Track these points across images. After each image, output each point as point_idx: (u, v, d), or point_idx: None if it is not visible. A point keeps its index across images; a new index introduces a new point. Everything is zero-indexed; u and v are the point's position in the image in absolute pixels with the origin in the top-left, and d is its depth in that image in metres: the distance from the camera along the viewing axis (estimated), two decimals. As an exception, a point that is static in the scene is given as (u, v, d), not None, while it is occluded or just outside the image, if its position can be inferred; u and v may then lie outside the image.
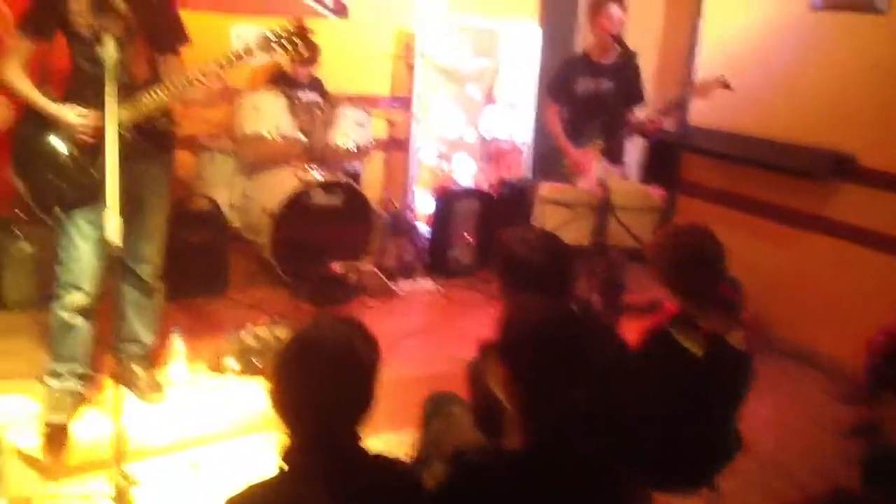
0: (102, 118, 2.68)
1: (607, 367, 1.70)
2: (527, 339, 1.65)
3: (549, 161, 5.59)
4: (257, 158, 4.67)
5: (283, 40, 2.87)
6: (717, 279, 2.30)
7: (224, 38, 4.76)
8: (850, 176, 4.06)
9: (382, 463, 1.69)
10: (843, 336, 4.04)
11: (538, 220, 3.29)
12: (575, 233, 3.16)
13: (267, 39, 2.88)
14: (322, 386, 1.58)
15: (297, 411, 1.59)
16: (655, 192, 3.46)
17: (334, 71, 5.12)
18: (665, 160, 5.04)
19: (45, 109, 2.78)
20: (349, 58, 5.26)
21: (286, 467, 1.59)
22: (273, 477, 1.60)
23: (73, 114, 2.77)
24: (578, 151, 4.40)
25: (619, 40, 3.93)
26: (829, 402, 3.79)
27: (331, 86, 5.13)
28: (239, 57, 2.83)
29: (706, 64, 4.87)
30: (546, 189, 3.33)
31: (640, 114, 4.44)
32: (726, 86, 4.03)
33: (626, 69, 4.12)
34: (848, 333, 4.01)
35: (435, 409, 2.50)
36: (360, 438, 1.63)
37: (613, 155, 4.25)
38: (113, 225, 2.33)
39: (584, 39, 6.25)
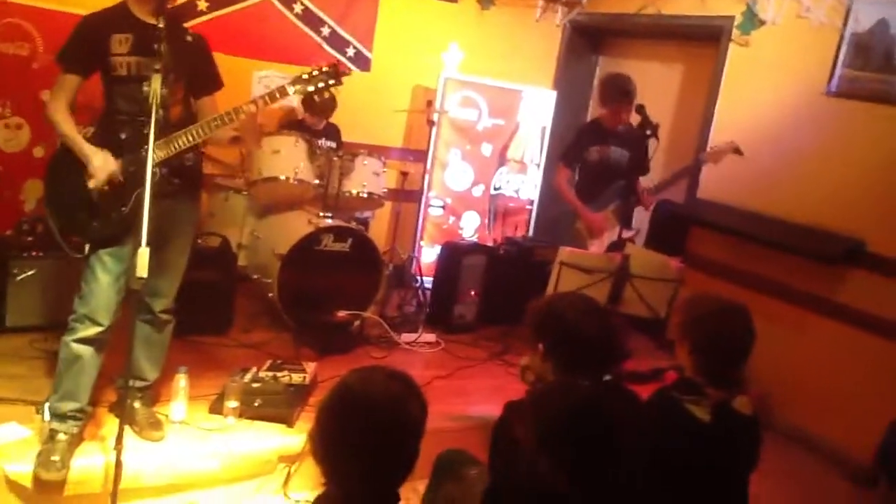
0: (122, 165, 2.74)
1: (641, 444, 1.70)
2: (564, 421, 1.64)
3: (556, 222, 5.65)
4: (271, 200, 4.68)
5: (317, 80, 2.92)
6: (742, 362, 2.30)
7: (246, 82, 4.83)
8: (860, 262, 4.10)
9: None
10: (846, 421, 4.04)
11: (555, 283, 3.29)
12: (590, 298, 3.16)
13: (301, 79, 2.92)
14: (370, 446, 1.54)
15: (340, 466, 1.55)
16: (674, 264, 3.47)
17: (352, 120, 5.19)
18: (669, 231, 5.08)
19: (77, 148, 2.78)
20: (367, 109, 5.34)
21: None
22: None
23: (98, 158, 2.76)
24: (594, 214, 4.45)
25: (641, 111, 4.00)
26: (832, 486, 3.75)
27: (348, 135, 5.19)
28: (274, 97, 2.86)
29: (719, 139, 4.95)
30: (566, 253, 3.34)
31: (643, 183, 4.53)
32: (738, 151, 4.10)
33: (638, 138, 4.20)
34: (851, 419, 4.01)
35: (446, 468, 2.46)
36: (399, 500, 1.59)
37: (626, 219, 4.31)
38: (144, 261, 2.34)
39: (595, 106, 6.38)
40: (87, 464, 2.86)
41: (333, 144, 5.01)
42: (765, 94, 4.73)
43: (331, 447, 1.57)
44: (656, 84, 5.57)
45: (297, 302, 4.31)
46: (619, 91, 4.46)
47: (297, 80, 2.93)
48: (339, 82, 2.97)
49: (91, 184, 2.78)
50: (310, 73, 2.94)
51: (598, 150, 4.54)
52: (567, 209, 4.71)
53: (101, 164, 2.77)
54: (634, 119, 4.29)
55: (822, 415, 4.20)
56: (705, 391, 2.25)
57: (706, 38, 5.21)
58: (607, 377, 2.18)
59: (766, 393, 4.33)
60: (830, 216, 4.27)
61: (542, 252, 5.04)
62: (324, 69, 2.94)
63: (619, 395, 2.19)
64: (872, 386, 3.97)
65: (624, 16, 5.74)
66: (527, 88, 5.88)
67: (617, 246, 3.99)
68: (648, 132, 4.01)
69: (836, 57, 4.33)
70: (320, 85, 2.95)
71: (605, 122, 4.61)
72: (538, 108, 5.92)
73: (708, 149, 4.34)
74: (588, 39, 6.37)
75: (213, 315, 4.20)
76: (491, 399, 3.95)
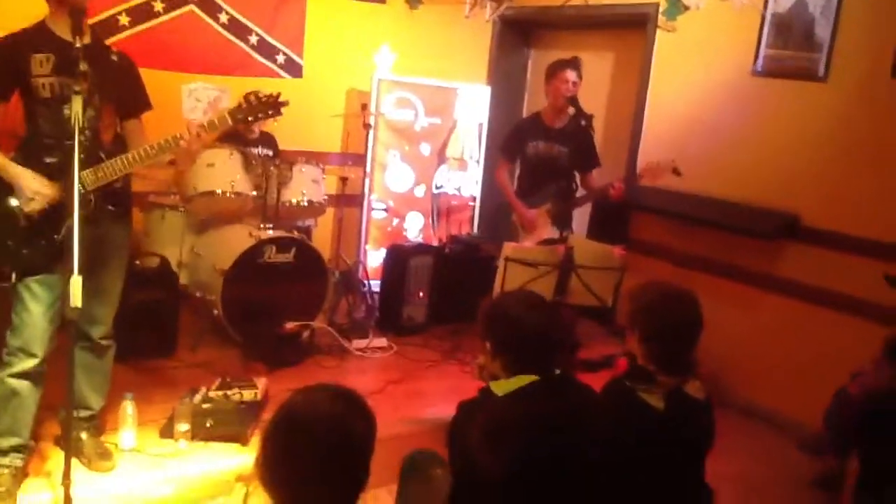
0: (60, 189, 2.64)
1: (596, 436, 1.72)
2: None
3: (496, 217, 5.67)
4: (209, 215, 4.59)
5: (256, 110, 2.88)
6: (692, 347, 2.33)
7: (175, 96, 4.72)
8: (797, 235, 4.20)
9: None
10: (796, 392, 4.14)
11: (501, 279, 3.30)
12: (538, 291, 3.17)
13: (241, 109, 2.87)
14: (317, 469, 1.51)
15: (289, 491, 1.52)
16: (617, 252, 3.51)
17: (287, 128, 5.11)
18: (611, 218, 5.14)
19: (7, 172, 2.66)
20: (302, 116, 5.25)
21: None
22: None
23: (33, 181, 2.66)
24: (527, 210, 4.47)
25: (574, 103, 4.02)
26: (787, 456, 3.84)
27: (284, 142, 5.13)
28: (213, 126, 2.83)
29: (653, 125, 5.04)
30: (510, 249, 3.35)
31: (597, 179, 4.53)
32: (677, 172, 4.11)
33: (579, 133, 4.20)
34: (801, 389, 4.11)
35: (413, 468, 2.45)
36: None
37: (563, 220, 4.29)
38: (77, 290, 2.27)
39: (530, 99, 6.43)
40: (35, 500, 2.78)
41: (270, 153, 4.94)
42: (695, 77, 4.81)
43: (277, 472, 1.54)
44: (588, 74, 5.57)
45: (243, 316, 4.24)
46: (558, 61, 4.46)
47: (237, 110, 2.89)
48: (278, 113, 2.95)
49: (27, 208, 2.67)
50: (249, 103, 2.89)
51: (535, 146, 4.54)
52: (505, 203, 4.73)
53: (38, 188, 2.66)
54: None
55: (772, 388, 4.29)
56: (657, 379, 2.28)
57: (633, 26, 5.28)
58: (557, 371, 2.18)
59: (716, 371, 4.41)
60: (765, 193, 4.37)
61: (487, 248, 5.06)
62: (263, 98, 2.90)
63: (570, 387, 2.20)
64: (818, 355, 4.07)
65: (551, 8, 5.78)
66: (461, 86, 5.88)
67: (553, 241, 3.98)
68: (583, 122, 4.02)
69: (760, 38, 4.42)
70: (259, 115, 2.91)
71: (546, 117, 4.60)
72: (474, 105, 5.92)
73: (644, 165, 4.34)
74: (519, 33, 6.41)
75: (156, 336, 4.10)
76: (447, 399, 3.91)
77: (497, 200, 5.39)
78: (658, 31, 5.04)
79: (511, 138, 4.73)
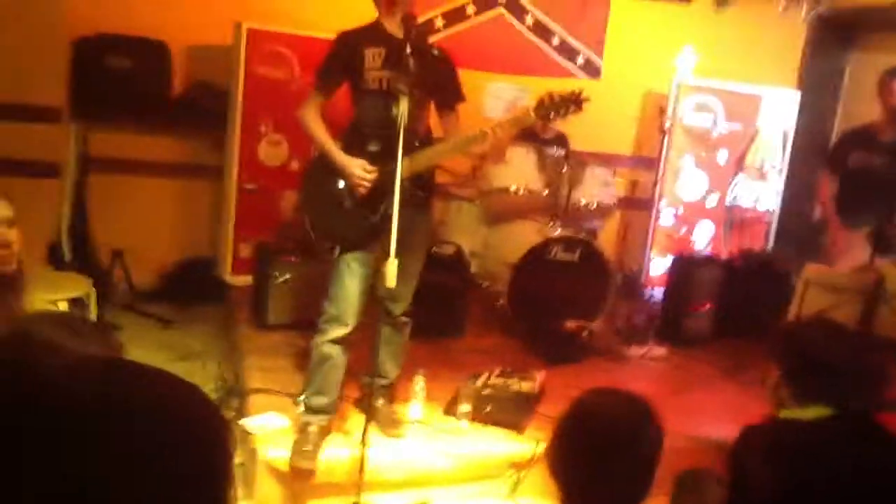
0: (382, 173, 2.93)
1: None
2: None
3: (799, 234, 5.28)
4: (501, 210, 4.82)
5: (558, 106, 2.97)
6: None
7: (480, 95, 4.98)
8: None
9: None
10: None
11: (799, 302, 3.10)
12: (839, 319, 2.93)
13: (544, 105, 2.97)
14: (602, 469, 1.57)
15: (576, 486, 1.59)
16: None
17: (580, 129, 5.18)
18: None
19: (333, 157, 3.03)
20: (596, 117, 5.30)
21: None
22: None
23: (359, 167, 2.99)
24: (842, 231, 4.09)
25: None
26: None
27: (576, 143, 5.21)
28: (517, 122, 3.01)
29: None
30: (812, 270, 3.13)
31: None
32: None
33: None
34: None
35: (687, 485, 2.42)
36: None
37: (886, 244, 3.86)
38: (394, 272, 2.51)
39: (847, 108, 5.91)
40: (335, 455, 3.09)
41: (562, 152, 5.04)
42: None
43: (566, 467, 1.60)
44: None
45: (526, 310, 4.40)
46: (886, 71, 4.05)
47: (540, 106, 2.98)
48: (579, 109, 2.99)
49: (354, 191, 3.00)
50: (552, 100, 2.97)
51: (858, 158, 4.13)
52: (815, 219, 4.38)
53: (364, 174, 2.98)
54: None
55: None
56: None
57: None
58: (857, 408, 2.01)
59: None
60: None
61: (782, 266, 4.76)
62: (566, 96, 2.96)
63: (865, 427, 2.01)
64: None
65: (877, 8, 5.24)
66: (766, 90, 5.56)
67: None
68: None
69: None
70: (561, 111, 2.99)
71: (877, 128, 4.18)
72: (779, 111, 5.57)
73: None
74: (837, 35, 5.90)
75: (447, 319, 4.39)
76: (722, 418, 3.77)
77: (802, 215, 5.04)
78: None
79: (836, 150, 4.39)
